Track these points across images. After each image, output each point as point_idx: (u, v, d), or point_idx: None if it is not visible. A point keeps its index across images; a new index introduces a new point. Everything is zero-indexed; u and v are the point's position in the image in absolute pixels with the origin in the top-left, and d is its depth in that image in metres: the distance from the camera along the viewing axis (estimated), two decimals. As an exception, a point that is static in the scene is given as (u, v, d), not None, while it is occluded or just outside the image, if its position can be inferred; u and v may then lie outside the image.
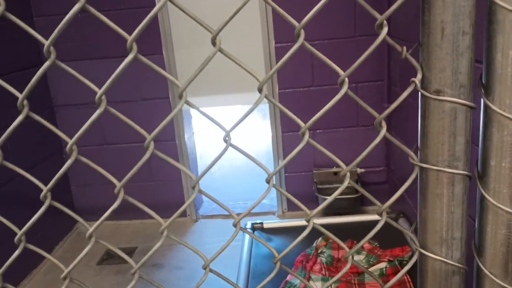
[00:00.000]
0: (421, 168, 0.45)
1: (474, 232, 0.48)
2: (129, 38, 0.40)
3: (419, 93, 0.43)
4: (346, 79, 0.41)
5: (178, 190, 3.37)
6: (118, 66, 0.42)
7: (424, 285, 0.49)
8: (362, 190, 0.49)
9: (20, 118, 0.41)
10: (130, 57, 0.40)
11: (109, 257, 2.94)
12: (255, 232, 2.68)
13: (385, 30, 0.40)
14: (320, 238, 2.50)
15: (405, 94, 0.43)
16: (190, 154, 3.42)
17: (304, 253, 2.43)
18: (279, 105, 0.45)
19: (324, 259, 2.35)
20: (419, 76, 0.43)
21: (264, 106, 3.29)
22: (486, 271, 0.46)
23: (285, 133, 3.25)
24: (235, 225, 0.51)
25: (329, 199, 0.49)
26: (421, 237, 0.48)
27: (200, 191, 0.49)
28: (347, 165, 0.45)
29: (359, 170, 3.18)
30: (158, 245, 0.50)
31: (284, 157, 3.30)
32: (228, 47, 3.02)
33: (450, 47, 0.41)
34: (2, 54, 2.67)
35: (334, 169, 3.19)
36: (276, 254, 0.58)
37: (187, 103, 0.45)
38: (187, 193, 3.37)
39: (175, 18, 3.07)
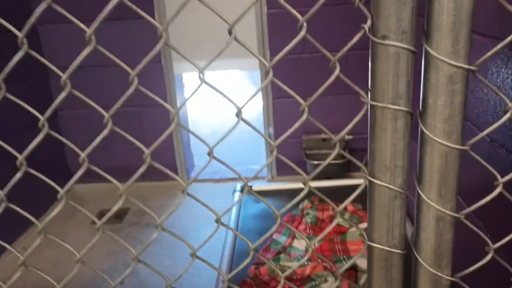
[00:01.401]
0: (371, 106, 0.52)
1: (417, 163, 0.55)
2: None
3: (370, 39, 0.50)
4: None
5: (170, 153, 3.45)
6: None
7: (372, 209, 0.57)
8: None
9: (21, 53, 0.47)
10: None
11: (102, 217, 3.04)
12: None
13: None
14: (306, 201, 2.60)
15: (356, 38, 0.49)
16: (182, 120, 3.48)
17: (290, 214, 2.54)
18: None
19: (309, 220, 2.46)
20: (369, 23, 0.49)
21: (256, 73, 3.32)
22: (423, 196, 0.54)
23: (276, 100, 3.31)
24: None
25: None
26: (370, 167, 0.55)
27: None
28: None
29: (347, 137, 3.26)
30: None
31: (274, 124, 3.38)
32: (221, 12, 3.03)
33: (394, -3, 0.47)
34: None
35: (323, 136, 3.27)
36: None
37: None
38: (178, 156, 3.44)
39: (168, -18, 3.07)
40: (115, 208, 0.62)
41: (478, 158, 0.55)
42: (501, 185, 0.56)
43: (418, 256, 0.57)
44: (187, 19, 3.13)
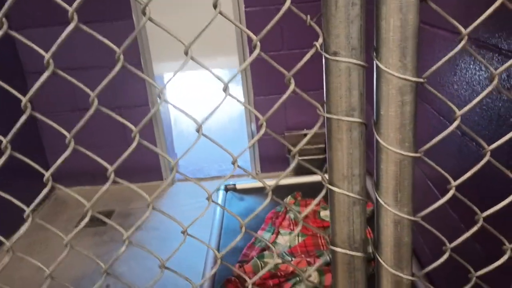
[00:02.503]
0: (327, 118, 0.54)
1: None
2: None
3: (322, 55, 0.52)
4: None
5: (153, 154, 3.44)
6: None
7: (333, 215, 0.59)
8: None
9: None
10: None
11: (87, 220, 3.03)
12: (228, 192, 2.80)
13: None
14: (289, 197, 2.63)
15: (308, 55, 0.51)
16: (164, 120, 3.48)
17: (274, 211, 2.56)
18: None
19: (292, 216, 2.49)
20: (320, 40, 0.51)
21: (236, 71, 3.34)
22: (381, 201, 0.57)
23: (257, 97, 3.32)
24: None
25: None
26: (329, 175, 0.57)
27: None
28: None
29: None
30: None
31: (256, 121, 3.39)
32: (200, 12, 3.03)
33: (343, 16, 0.49)
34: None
35: (305, 131, 3.30)
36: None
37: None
38: (162, 157, 3.44)
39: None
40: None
41: (432, 163, 0.58)
42: (453, 188, 0.59)
43: (379, 259, 0.60)
44: (168, 17, 3.12)
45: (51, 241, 2.75)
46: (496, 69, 0.56)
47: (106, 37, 0.56)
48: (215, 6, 0.48)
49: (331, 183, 0.57)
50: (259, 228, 2.46)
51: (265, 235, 2.38)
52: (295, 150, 0.56)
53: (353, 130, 0.53)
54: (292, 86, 0.52)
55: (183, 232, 0.62)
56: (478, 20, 0.51)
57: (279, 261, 2.08)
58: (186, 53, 0.51)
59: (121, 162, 0.58)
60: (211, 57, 3.25)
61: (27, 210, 0.61)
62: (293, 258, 2.13)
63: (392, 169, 0.54)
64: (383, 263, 0.59)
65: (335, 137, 0.54)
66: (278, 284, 1.96)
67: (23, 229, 0.60)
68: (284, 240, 2.34)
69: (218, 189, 2.87)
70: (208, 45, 3.16)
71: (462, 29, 0.51)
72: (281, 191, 2.64)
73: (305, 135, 3.33)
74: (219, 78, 0.57)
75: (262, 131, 0.54)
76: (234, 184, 2.85)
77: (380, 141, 0.54)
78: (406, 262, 0.59)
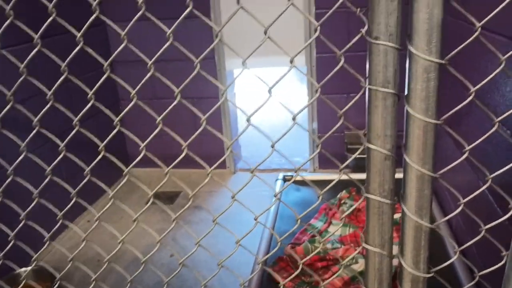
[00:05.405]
0: (368, 88, 0.70)
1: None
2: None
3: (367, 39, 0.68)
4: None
5: (219, 144, 3.69)
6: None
7: (368, 168, 0.74)
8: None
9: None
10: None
11: (156, 198, 3.34)
12: (286, 182, 2.97)
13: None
14: (344, 191, 2.75)
15: (355, 39, 0.67)
16: (231, 114, 3.72)
17: (327, 204, 2.70)
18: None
19: (345, 209, 2.61)
20: (366, 27, 0.67)
21: (303, 69, 3.50)
22: (407, 159, 0.71)
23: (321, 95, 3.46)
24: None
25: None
26: (367, 135, 0.73)
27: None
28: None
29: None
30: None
31: (318, 120, 3.53)
32: (271, 11, 3.23)
33: (384, 9, 0.65)
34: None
35: (364, 131, 3.39)
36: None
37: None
38: (227, 147, 3.69)
39: (223, -16, 3.30)
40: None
41: (451, 131, 0.71)
42: (467, 152, 0.72)
43: (404, 207, 0.74)
44: (240, 15, 3.35)
45: (125, 214, 3.07)
46: None
47: (185, 33, 0.74)
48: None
49: (368, 141, 0.73)
50: (312, 217, 2.61)
51: (318, 224, 2.53)
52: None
53: (387, 99, 0.69)
54: (341, 62, 0.68)
55: (236, 242, 0.80)
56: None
57: (329, 246, 2.22)
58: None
59: (190, 149, 0.77)
60: (279, 56, 3.44)
61: (111, 193, 0.82)
62: (342, 246, 2.26)
63: (417, 132, 0.69)
64: (406, 211, 0.74)
65: (373, 104, 0.70)
66: (326, 266, 2.10)
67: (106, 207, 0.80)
68: (336, 230, 2.47)
69: (276, 179, 3.05)
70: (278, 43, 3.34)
71: (476, 22, 0.65)
72: (337, 186, 2.76)
73: (365, 134, 3.42)
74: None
75: (317, 95, 0.71)
76: (292, 175, 3.02)
77: (409, 109, 0.69)
78: (425, 211, 0.73)
